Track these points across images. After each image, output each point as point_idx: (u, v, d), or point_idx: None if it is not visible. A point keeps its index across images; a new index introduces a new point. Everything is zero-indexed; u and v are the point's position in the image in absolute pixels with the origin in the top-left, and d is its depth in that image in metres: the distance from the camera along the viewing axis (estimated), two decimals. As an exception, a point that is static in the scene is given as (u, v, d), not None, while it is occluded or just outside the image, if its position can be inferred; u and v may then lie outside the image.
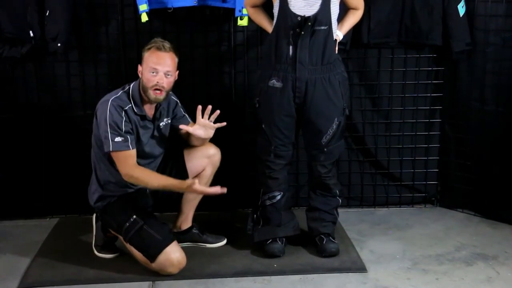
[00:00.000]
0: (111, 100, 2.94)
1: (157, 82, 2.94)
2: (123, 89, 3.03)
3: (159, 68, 2.94)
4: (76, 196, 3.59)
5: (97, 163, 3.09)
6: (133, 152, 2.95)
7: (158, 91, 2.96)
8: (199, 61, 3.66)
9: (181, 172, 3.19)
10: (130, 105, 2.97)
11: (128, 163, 2.94)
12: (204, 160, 3.24)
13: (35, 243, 3.40)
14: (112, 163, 3.01)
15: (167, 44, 2.99)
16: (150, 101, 3.00)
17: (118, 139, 2.90)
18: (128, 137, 2.92)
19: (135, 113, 2.98)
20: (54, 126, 3.67)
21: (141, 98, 3.00)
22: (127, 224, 3.00)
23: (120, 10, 3.56)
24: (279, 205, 3.23)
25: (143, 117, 3.02)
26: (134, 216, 3.01)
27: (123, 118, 2.92)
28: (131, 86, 3.02)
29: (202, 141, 3.19)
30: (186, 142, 3.23)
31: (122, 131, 2.91)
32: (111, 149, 2.90)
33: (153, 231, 2.99)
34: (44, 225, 3.65)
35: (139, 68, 3.00)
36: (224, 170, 3.50)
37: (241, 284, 2.97)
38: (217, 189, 2.92)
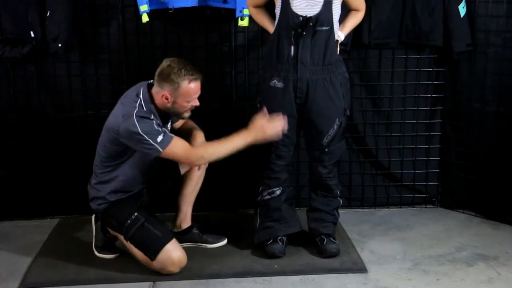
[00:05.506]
0: (135, 114, 2.88)
1: (193, 106, 3.02)
2: (134, 103, 2.94)
3: (197, 95, 3.00)
4: (77, 197, 3.59)
5: (119, 171, 3.06)
6: (177, 137, 2.96)
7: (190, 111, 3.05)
8: (200, 62, 3.64)
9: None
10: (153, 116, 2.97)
11: (186, 147, 2.95)
12: None
13: (35, 243, 3.40)
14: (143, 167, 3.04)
15: (196, 72, 2.98)
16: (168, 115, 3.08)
17: (160, 137, 2.87)
18: (165, 129, 2.94)
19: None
20: (55, 126, 3.67)
21: (156, 110, 2.99)
22: (129, 221, 3.02)
23: (121, 10, 3.56)
24: (279, 200, 3.22)
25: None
26: (136, 214, 3.03)
27: (152, 121, 2.91)
28: (144, 103, 2.94)
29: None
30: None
31: (157, 130, 2.89)
32: (161, 150, 2.88)
33: (153, 228, 3.00)
34: (44, 226, 3.65)
35: (165, 93, 2.92)
36: (225, 170, 3.50)
37: (241, 285, 2.97)
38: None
